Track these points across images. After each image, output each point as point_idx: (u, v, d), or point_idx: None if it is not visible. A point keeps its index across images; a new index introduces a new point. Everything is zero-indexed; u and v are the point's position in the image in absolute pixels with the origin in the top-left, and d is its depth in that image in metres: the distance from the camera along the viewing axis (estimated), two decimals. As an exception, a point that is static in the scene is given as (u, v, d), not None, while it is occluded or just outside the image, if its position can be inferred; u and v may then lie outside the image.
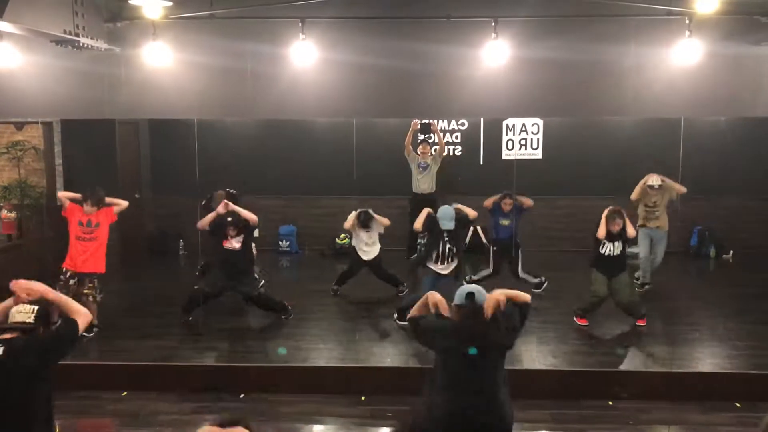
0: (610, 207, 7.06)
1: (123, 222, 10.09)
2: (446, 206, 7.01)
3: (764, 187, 10.16)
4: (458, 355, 3.67)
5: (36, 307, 3.45)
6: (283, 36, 5.81)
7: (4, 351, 3.31)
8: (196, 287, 7.26)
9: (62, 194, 6.91)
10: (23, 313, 3.43)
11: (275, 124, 10.44)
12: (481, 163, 10.90)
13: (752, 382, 5.85)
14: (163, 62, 5.78)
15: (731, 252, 10.37)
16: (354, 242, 8.30)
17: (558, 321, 7.24)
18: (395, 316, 7.19)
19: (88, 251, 6.76)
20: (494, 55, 5.80)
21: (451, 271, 6.96)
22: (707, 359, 6.55)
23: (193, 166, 10.39)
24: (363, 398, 5.73)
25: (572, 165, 10.62)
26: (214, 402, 5.53)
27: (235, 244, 7.21)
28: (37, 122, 9.27)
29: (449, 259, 6.92)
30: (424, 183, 10.16)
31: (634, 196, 8.35)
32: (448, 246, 6.87)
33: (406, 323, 6.89)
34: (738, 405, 5.61)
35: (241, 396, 5.71)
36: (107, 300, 8.47)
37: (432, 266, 6.94)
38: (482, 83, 5.75)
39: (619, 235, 6.98)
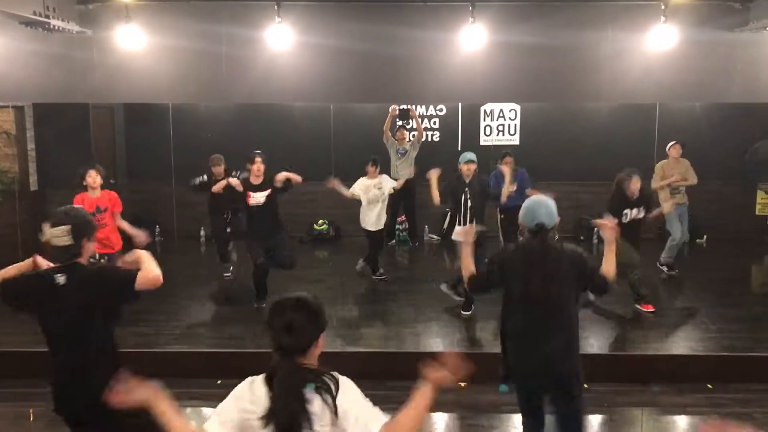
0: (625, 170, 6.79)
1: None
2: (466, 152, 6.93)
3: (737, 173, 10.32)
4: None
5: (68, 226, 3.30)
6: (258, 19, 5.74)
7: (66, 278, 3.30)
8: (259, 261, 7.06)
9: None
10: (59, 238, 3.30)
11: (251, 109, 10.35)
12: (459, 149, 10.90)
13: (724, 363, 5.95)
14: (137, 45, 5.69)
15: (704, 237, 10.52)
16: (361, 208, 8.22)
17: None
18: (443, 286, 7.15)
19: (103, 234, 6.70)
20: (471, 40, 5.79)
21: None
22: (681, 342, 6.65)
23: (169, 151, 10.31)
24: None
25: (549, 151, 10.68)
26: (190, 389, 5.50)
27: (260, 198, 7.01)
28: (7, 106, 9.10)
29: (471, 221, 6.75)
30: (402, 169, 10.15)
31: (656, 184, 8.08)
32: (469, 204, 6.77)
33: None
34: (710, 386, 5.70)
35: (218, 382, 5.69)
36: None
37: (456, 236, 6.79)
38: (460, 68, 5.74)
39: (638, 201, 6.74)
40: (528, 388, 3.97)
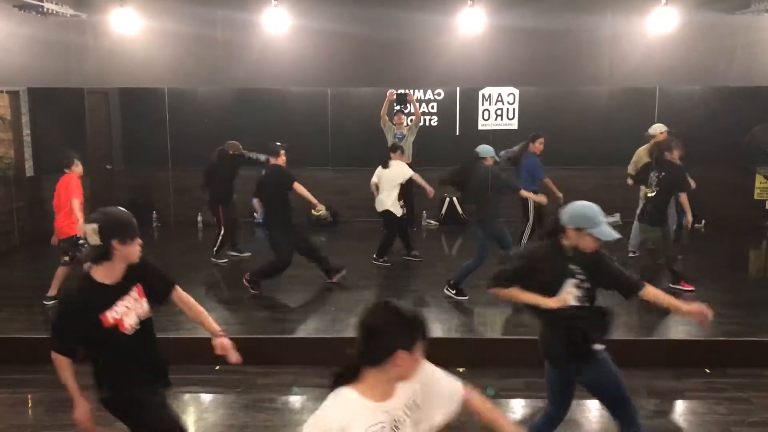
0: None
1: (95, 194, 9.98)
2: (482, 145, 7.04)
3: (736, 157, 10.28)
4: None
5: (95, 225, 3.25)
6: (254, 2, 5.67)
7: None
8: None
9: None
10: (90, 236, 3.26)
11: (248, 93, 10.29)
12: (457, 133, 10.87)
13: (721, 348, 5.96)
14: (132, 29, 5.63)
15: (703, 221, 10.51)
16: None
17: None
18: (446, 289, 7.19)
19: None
20: (470, 23, 5.73)
21: None
22: (679, 326, 6.65)
23: (165, 136, 10.25)
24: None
25: (548, 135, 10.60)
26: (188, 374, 5.50)
27: None
28: (2, 91, 9.03)
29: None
30: (399, 154, 10.10)
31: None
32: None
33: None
34: (707, 371, 5.71)
35: (217, 368, 5.68)
36: (76, 273, 8.38)
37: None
38: (458, 52, 5.69)
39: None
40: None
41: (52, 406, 5.11)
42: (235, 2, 5.65)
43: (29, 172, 9.78)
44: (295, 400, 5.53)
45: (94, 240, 3.25)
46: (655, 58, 5.56)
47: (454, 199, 10.75)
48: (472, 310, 7.01)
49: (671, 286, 7.17)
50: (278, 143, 7.31)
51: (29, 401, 5.37)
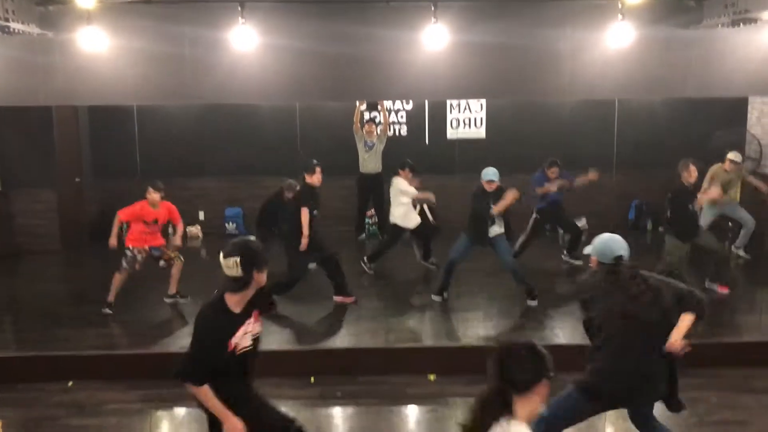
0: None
1: (64, 207, 9.91)
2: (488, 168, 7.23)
3: (697, 162, 10.53)
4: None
5: (237, 258, 3.41)
6: (222, 20, 5.73)
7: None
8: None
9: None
10: (230, 269, 3.42)
11: (217, 109, 10.31)
12: (427, 142, 10.99)
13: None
14: (99, 47, 5.65)
15: (660, 228, 10.75)
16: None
17: (504, 297, 7.43)
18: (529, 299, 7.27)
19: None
20: (434, 39, 5.85)
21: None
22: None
23: (134, 150, 10.23)
24: (312, 380, 5.81)
25: (514, 143, 10.81)
26: (161, 389, 5.53)
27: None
28: (-32, 108, 8.95)
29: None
30: (370, 162, 10.21)
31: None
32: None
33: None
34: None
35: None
36: (48, 288, 8.34)
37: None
38: (423, 66, 5.81)
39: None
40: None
41: (23, 425, 5.11)
42: (203, 20, 5.70)
43: (-3, 187, 9.69)
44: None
45: (236, 272, 3.40)
46: (613, 71, 5.73)
47: (425, 206, 10.85)
48: (444, 319, 7.13)
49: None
50: (315, 161, 7.34)
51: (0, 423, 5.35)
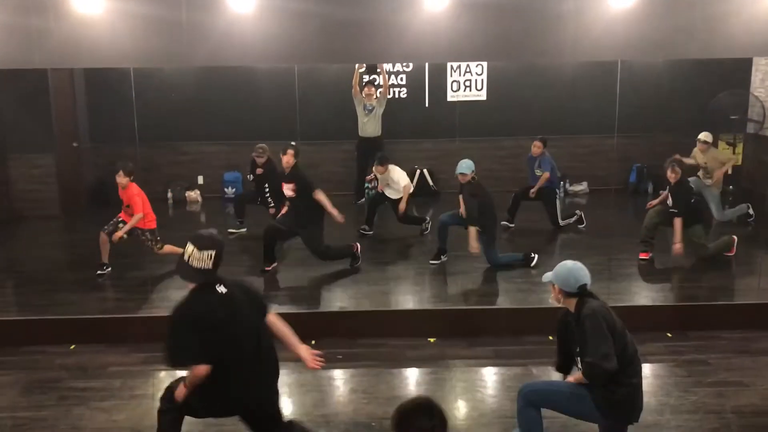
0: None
1: (62, 172, 9.88)
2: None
3: (697, 125, 10.47)
4: None
5: (213, 251, 3.48)
6: (218, -20, 5.62)
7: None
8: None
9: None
10: (199, 260, 3.46)
11: (215, 72, 10.22)
12: (427, 105, 10.92)
13: (682, 313, 6.18)
14: (94, 10, 5.55)
15: (668, 188, 10.73)
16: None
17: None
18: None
19: None
20: (435, 0, 5.75)
21: None
22: (642, 293, 6.87)
23: (132, 114, 10.13)
24: (313, 342, 5.83)
25: (515, 106, 10.74)
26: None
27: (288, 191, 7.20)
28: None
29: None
30: (369, 126, 10.16)
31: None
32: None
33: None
34: (669, 335, 5.92)
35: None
36: (48, 253, 8.36)
37: None
38: (423, 28, 5.70)
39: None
40: None
41: (27, 387, 5.15)
42: (199, -20, 5.59)
43: (-6, 152, 9.65)
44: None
45: (207, 265, 3.47)
46: (616, 32, 5.62)
47: (425, 171, 10.82)
48: (443, 282, 7.15)
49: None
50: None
51: (3, 384, 5.39)
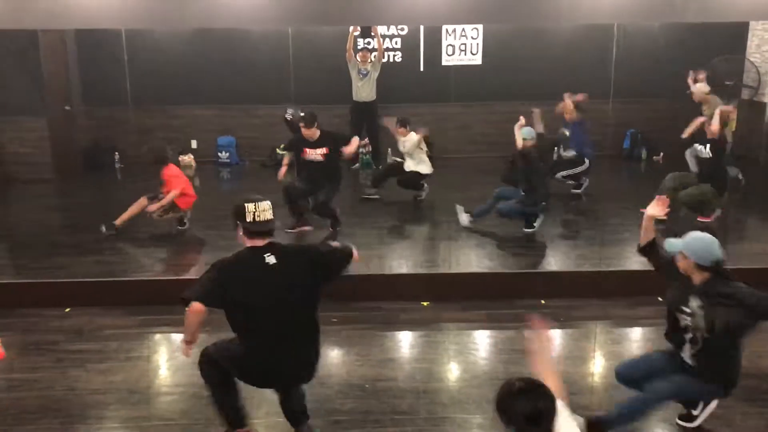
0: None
1: (55, 135, 9.81)
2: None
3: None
4: None
5: (268, 202, 3.62)
6: (211, -61, 5.53)
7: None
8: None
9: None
10: (266, 212, 3.58)
11: (208, 35, 10.10)
12: (422, 69, 10.83)
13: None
14: (84, -32, 5.48)
15: (661, 154, 10.75)
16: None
17: (495, 225, 7.47)
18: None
19: None
20: (431, -40, 5.69)
21: None
22: (634, 258, 6.91)
23: (124, 76, 10.05)
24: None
25: (511, 71, 10.67)
26: (161, 315, 5.60)
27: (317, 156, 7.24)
28: (-49, 32, 8.73)
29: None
30: (363, 90, 10.10)
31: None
32: None
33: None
34: (660, 299, 5.97)
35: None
36: (43, 216, 8.34)
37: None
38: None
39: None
40: None
41: (22, 350, 5.19)
42: (190, -61, 5.49)
43: (-16, 114, 9.56)
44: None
45: (270, 215, 3.64)
46: (613, -5, 5.61)
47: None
48: (437, 246, 7.19)
49: None
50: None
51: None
